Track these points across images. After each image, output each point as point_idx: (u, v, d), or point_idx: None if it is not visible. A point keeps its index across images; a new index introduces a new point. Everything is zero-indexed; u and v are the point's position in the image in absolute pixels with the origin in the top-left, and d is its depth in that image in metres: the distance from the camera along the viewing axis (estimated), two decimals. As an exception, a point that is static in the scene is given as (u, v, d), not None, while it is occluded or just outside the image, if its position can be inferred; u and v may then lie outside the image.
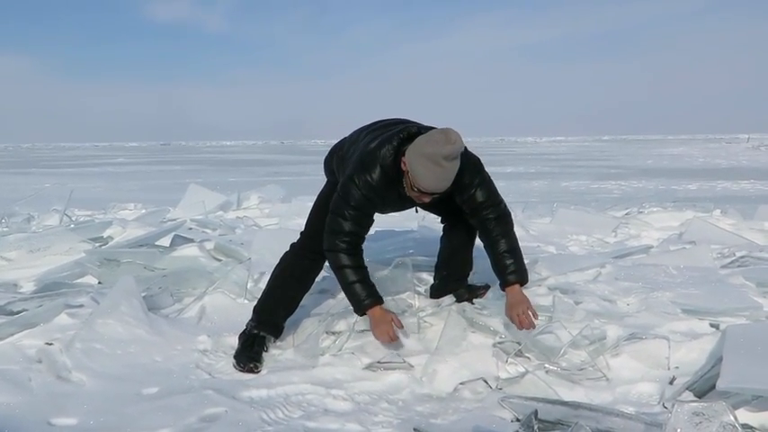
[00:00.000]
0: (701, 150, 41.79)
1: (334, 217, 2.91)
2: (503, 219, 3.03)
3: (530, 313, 2.90)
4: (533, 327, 2.90)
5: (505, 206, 3.09)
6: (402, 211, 3.26)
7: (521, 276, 3.01)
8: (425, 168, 2.67)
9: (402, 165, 2.79)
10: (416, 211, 3.23)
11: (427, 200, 2.86)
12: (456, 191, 2.91)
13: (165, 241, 5.13)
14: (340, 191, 2.90)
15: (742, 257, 4.38)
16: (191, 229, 5.84)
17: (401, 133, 2.84)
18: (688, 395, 2.51)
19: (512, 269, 2.99)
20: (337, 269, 2.95)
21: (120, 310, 3.30)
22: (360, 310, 2.96)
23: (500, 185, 3.13)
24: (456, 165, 2.73)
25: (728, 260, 4.40)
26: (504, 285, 3.01)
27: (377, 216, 3.04)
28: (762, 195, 12.14)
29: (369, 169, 2.82)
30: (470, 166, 2.93)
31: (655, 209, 7.11)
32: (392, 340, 2.92)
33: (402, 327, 2.98)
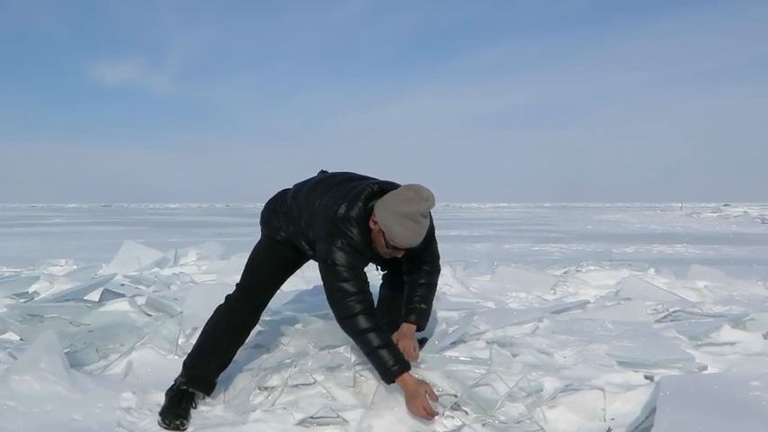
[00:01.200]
0: (637, 217, 43.19)
1: (334, 285, 2.81)
2: (433, 272, 3.22)
3: (409, 348, 3.07)
4: (415, 357, 3.08)
5: (439, 264, 3.26)
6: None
7: (420, 321, 3.20)
8: (403, 226, 2.71)
9: (371, 224, 2.81)
10: (377, 269, 3.28)
11: (400, 255, 2.91)
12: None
13: (95, 296, 4.92)
14: (327, 260, 2.82)
15: (675, 312, 4.46)
16: (123, 285, 5.63)
17: (365, 192, 2.84)
18: (624, 446, 2.49)
19: (417, 312, 3.17)
20: (358, 335, 2.81)
21: (39, 367, 3.11)
22: (388, 377, 2.79)
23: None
24: (429, 219, 2.84)
25: (662, 315, 4.46)
26: (403, 321, 3.18)
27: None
28: (694, 258, 12.54)
29: (347, 231, 2.79)
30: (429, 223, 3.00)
31: (592, 268, 7.23)
32: (432, 417, 2.73)
33: (437, 399, 2.80)
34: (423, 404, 2.71)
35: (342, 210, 2.82)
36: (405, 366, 2.79)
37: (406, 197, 2.72)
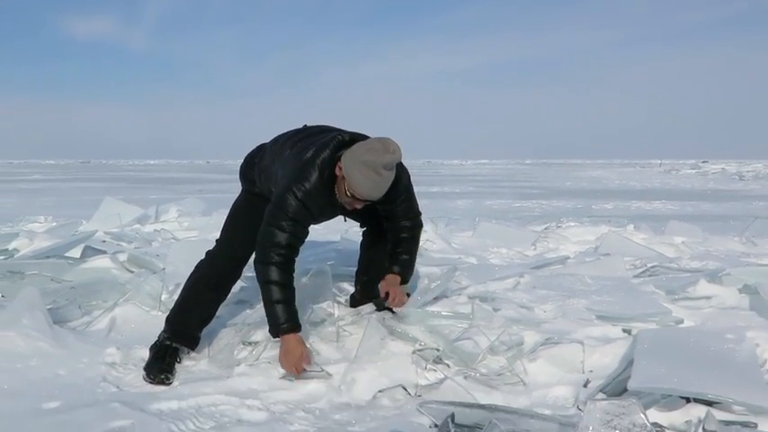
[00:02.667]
0: (617, 174, 43.47)
1: (269, 228, 2.81)
2: (415, 228, 3.18)
3: (400, 296, 3.11)
4: (401, 303, 3.13)
5: (420, 219, 3.21)
6: (327, 222, 3.25)
7: (404, 274, 3.18)
8: (363, 176, 2.68)
9: (337, 170, 2.78)
10: (345, 220, 3.22)
11: (359, 206, 2.87)
12: (383, 199, 2.89)
13: (76, 253, 4.90)
14: (277, 202, 2.82)
15: (653, 267, 4.53)
16: (104, 241, 5.60)
17: (334, 140, 2.83)
18: (602, 397, 2.55)
19: (401, 263, 3.16)
20: (264, 283, 2.83)
21: (22, 323, 3.11)
22: (276, 332, 2.85)
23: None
24: (393, 174, 2.77)
25: (640, 270, 4.54)
26: (387, 272, 3.17)
27: None
28: (672, 214, 12.70)
29: (306, 176, 2.77)
30: (402, 179, 2.98)
31: (572, 224, 7.31)
32: (297, 374, 2.81)
33: (310, 364, 2.86)
34: (294, 361, 2.79)
35: (308, 154, 2.82)
36: (295, 328, 2.84)
37: (372, 147, 2.70)
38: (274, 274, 2.81)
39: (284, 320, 2.82)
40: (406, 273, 3.20)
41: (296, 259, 2.91)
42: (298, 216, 2.80)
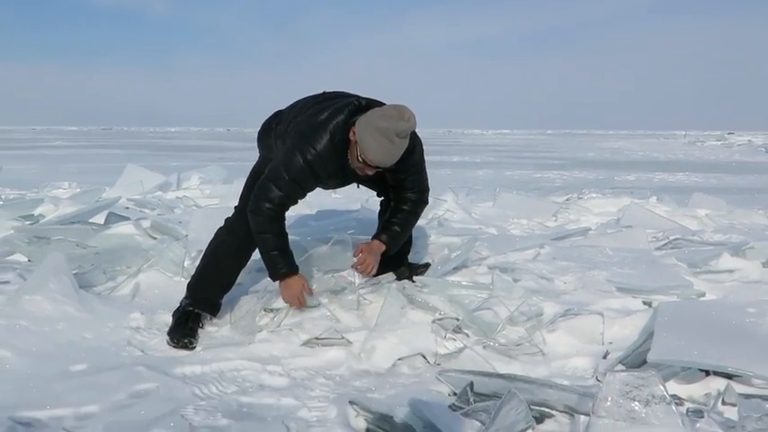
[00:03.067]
0: (640, 145, 42.88)
1: (267, 182, 2.86)
2: (418, 204, 3.16)
3: (369, 263, 3.09)
4: (366, 273, 3.13)
5: (427, 197, 3.19)
6: (345, 188, 3.24)
7: (390, 245, 3.14)
8: (376, 142, 2.68)
9: (351, 134, 2.78)
10: (357, 187, 3.22)
11: (371, 173, 2.87)
12: (394, 168, 2.89)
13: (100, 219, 4.96)
14: (283, 159, 2.84)
15: (675, 240, 4.50)
16: (127, 208, 5.67)
17: (350, 105, 2.83)
18: (621, 369, 2.55)
19: (390, 234, 3.12)
20: (258, 233, 2.92)
21: (49, 287, 3.17)
22: (275, 277, 2.98)
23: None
24: (406, 143, 2.76)
25: (662, 243, 4.50)
26: (374, 237, 3.16)
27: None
28: (696, 186, 12.52)
29: (316, 139, 2.78)
30: (416, 150, 2.97)
31: (594, 195, 7.26)
32: (300, 305, 3.00)
33: (312, 294, 3.02)
34: (296, 292, 2.97)
35: (322, 116, 2.83)
36: (293, 271, 2.97)
37: (386, 114, 2.70)
38: (266, 225, 2.89)
39: (282, 266, 2.94)
40: (392, 244, 3.15)
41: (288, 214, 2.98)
42: (299, 177, 2.82)
